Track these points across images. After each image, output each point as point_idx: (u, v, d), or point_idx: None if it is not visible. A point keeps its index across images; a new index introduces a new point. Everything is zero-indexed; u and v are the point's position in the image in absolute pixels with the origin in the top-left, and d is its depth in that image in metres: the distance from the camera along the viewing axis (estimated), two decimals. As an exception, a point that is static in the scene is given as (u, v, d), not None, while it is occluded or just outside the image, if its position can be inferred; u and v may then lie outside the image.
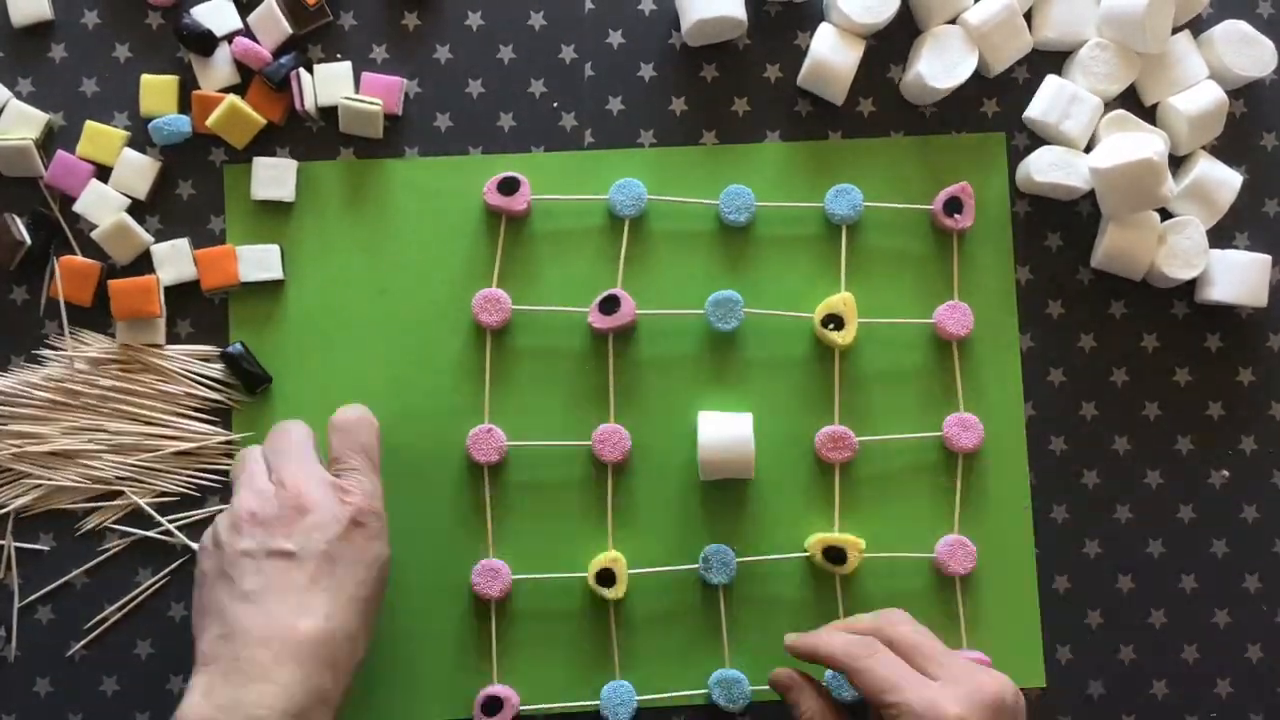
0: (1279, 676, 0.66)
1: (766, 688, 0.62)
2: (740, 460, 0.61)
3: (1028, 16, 0.66)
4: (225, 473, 0.64)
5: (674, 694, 0.63)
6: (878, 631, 0.57)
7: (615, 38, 0.66)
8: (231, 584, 0.53)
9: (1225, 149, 0.67)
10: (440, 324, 0.65)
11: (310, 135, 0.65)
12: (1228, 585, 0.66)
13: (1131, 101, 0.67)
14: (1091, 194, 0.65)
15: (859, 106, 0.67)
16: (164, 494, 0.64)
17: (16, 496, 0.63)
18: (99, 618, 0.63)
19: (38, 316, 0.64)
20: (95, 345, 0.64)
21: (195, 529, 0.63)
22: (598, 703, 0.63)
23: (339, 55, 0.66)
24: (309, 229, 0.65)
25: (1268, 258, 0.65)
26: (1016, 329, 0.66)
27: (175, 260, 0.64)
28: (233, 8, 0.64)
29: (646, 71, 0.66)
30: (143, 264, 0.64)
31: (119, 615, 0.64)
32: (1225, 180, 0.65)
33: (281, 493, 0.55)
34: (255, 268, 0.64)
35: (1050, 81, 0.65)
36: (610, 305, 0.63)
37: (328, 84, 0.64)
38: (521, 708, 0.63)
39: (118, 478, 0.63)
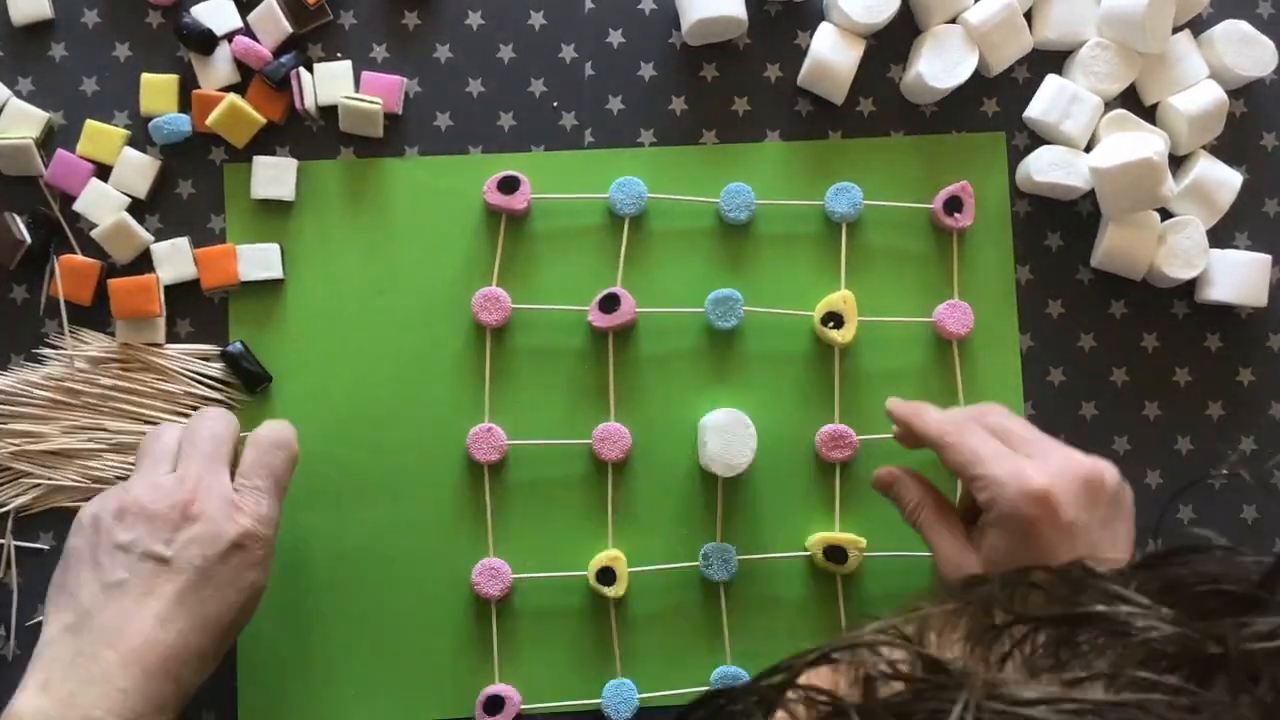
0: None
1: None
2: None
3: (1028, 16, 0.66)
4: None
5: (675, 691, 0.63)
6: (975, 418, 0.55)
7: (615, 37, 0.66)
8: (99, 570, 0.52)
9: (1225, 149, 0.67)
10: (440, 323, 0.65)
11: (310, 134, 0.65)
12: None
13: (1131, 101, 0.67)
14: (1091, 194, 0.65)
15: (859, 106, 0.67)
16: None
17: (16, 495, 0.63)
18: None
19: (38, 315, 0.64)
20: (95, 344, 0.64)
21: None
22: (599, 701, 0.63)
23: (339, 54, 0.65)
24: (309, 228, 0.65)
25: (1268, 258, 0.65)
26: (1016, 329, 0.66)
27: (175, 259, 0.64)
28: (233, 7, 0.64)
29: (647, 71, 0.66)
30: (143, 263, 0.64)
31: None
32: (1225, 180, 0.65)
33: (176, 491, 0.53)
34: (255, 267, 0.64)
35: (1050, 81, 0.65)
36: (610, 304, 0.63)
37: (328, 83, 0.64)
38: (523, 707, 0.63)
39: (117, 477, 0.63)
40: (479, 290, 0.64)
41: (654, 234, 0.65)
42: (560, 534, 0.64)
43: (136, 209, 0.64)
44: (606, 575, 0.62)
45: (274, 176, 0.64)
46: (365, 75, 0.65)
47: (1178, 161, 0.67)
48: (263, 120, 0.64)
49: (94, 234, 0.63)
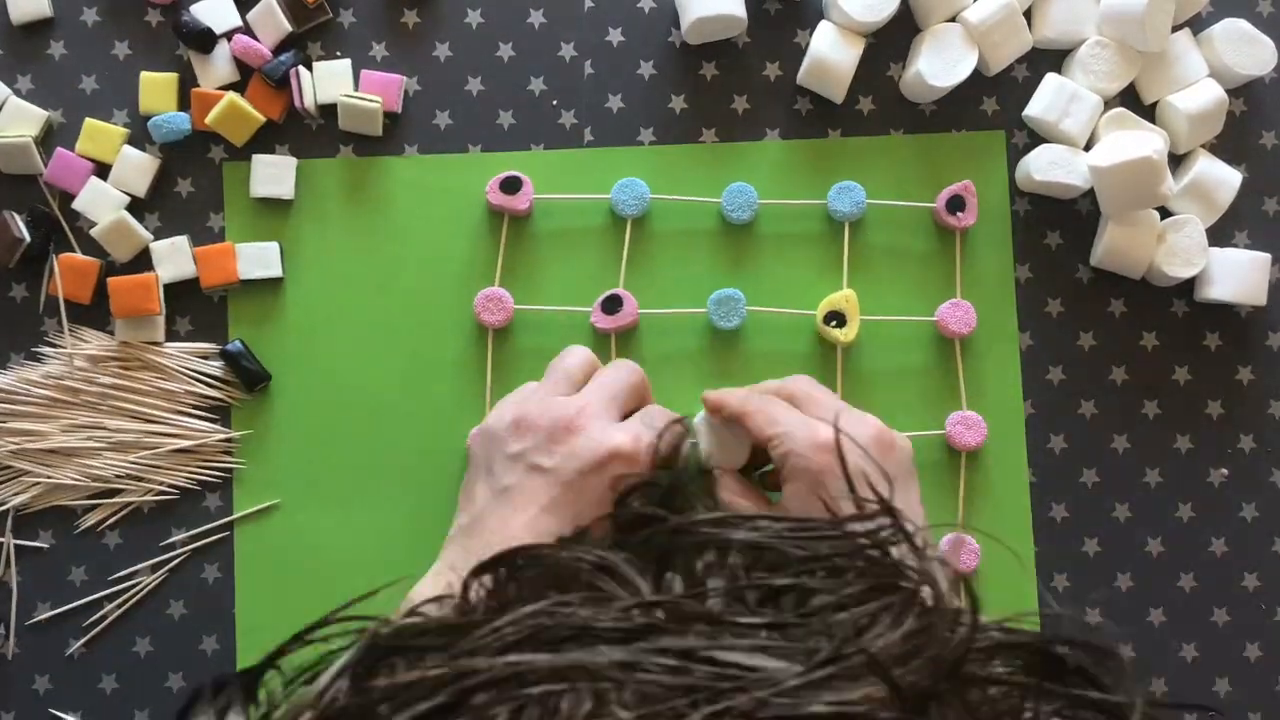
0: (1278, 675, 0.66)
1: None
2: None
3: (1027, 15, 0.66)
4: (225, 470, 0.64)
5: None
6: (780, 388, 0.59)
7: (615, 35, 0.66)
8: (491, 477, 0.56)
9: (1225, 147, 0.67)
10: (441, 322, 0.65)
11: (310, 133, 0.65)
12: (1227, 584, 0.66)
13: (1131, 100, 0.67)
14: (1091, 192, 0.65)
15: (858, 105, 0.66)
16: (164, 492, 0.64)
17: (16, 494, 0.63)
18: (98, 615, 0.63)
19: (37, 314, 0.64)
20: (94, 343, 0.64)
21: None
22: None
23: (338, 53, 0.65)
24: (309, 226, 0.65)
25: (1267, 256, 0.65)
26: (1016, 327, 0.66)
27: (174, 258, 0.64)
28: (232, 5, 0.64)
29: (646, 70, 0.66)
30: (142, 262, 0.64)
31: (118, 613, 0.64)
32: (1225, 179, 0.65)
33: (566, 408, 0.56)
34: (254, 265, 0.64)
35: (1050, 80, 0.65)
36: (612, 305, 0.63)
37: (327, 82, 0.64)
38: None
39: (117, 476, 0.63)
40: (481, 291, 0.64)
41: (656, 234, 0.65)
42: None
43: (136, 207, 0.64)
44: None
45: (273, 175, 0.64)
46: (364, 74, 0.65)
47: (1177, 160, 0.67)
48: (262, 119, 0.64)
49: (93, 232, 0.63)
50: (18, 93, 0.65)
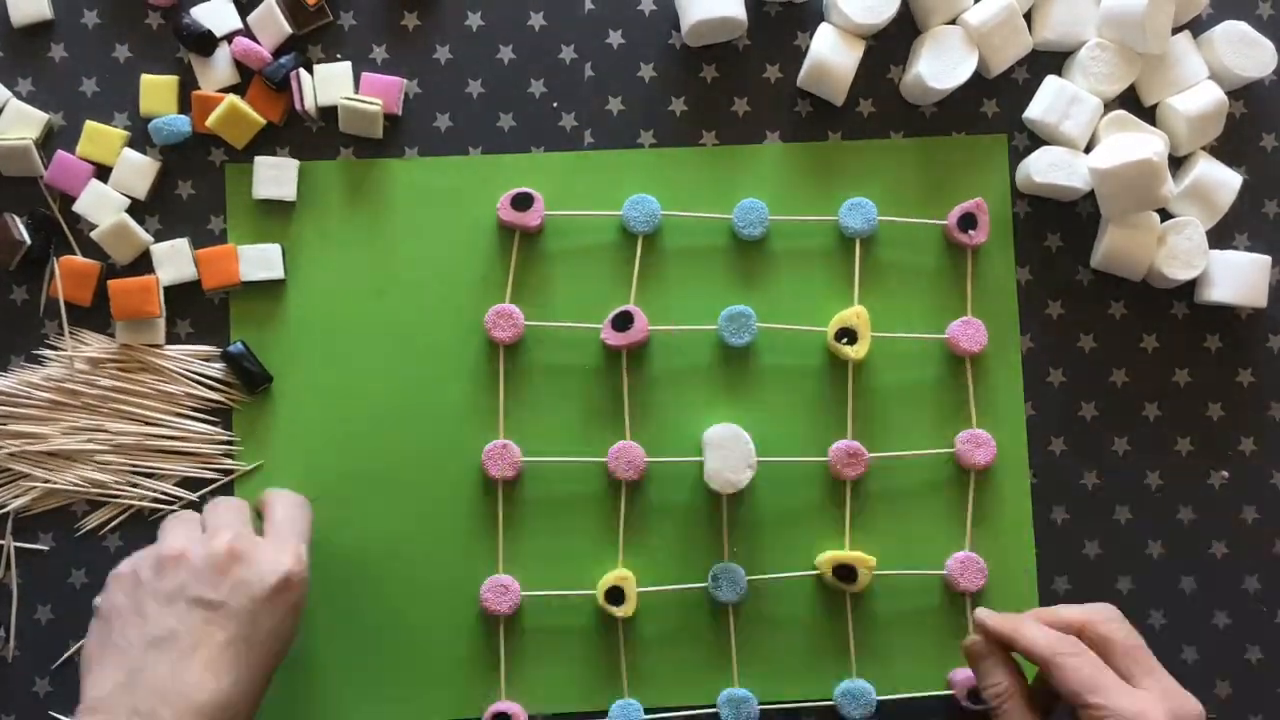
0: (1279, 677, 0.66)
1: (775, 706, 0.63)
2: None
3: (1028, 17, 0.66)
4: (227, 471, 0.64)
5: (683, 713, 0.63)
6: (1087, 625, 0.55)
7: (615, 38, 0.66)
8: (143, 624, 0.51)
9: (1225, 150, 0.67)
10: (442, 324, 0.65)
11: (310, 135, 0.65)
12: (1227, 586, 0.66)
13: (1131, 102, 0.67)
14: (1091, 194, 0.65)
15: (859, 107, 0.66)
16: (164, 494, 0.64)
17: (16, 497, 0.63)
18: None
19: (37, 316, 0.64)
20: (95, 345, 0.64)
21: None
22: None
23: (339, 55, 0.66)
24: (310, 228, 0.65)
25: (1267, 258, 0.65)
26: (1017, 330, 0.66)
27: (175, 260, 0.64)
28: (232, 8, 0.64)
29: (646, 72, 0.66)
30: (142, 264, 0.64)
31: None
32: (1225, 181, 0.65)
33: (215, 539, 0.53)
34: (256, 267, 0.64)
35: (1050, 82, 0.65)
36: (623, 322, 0.63)
37: (327, 84, 0.64)
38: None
39: (117, 479, 0.63)
40: (492, 307, 0.63)
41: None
42: (570, 551, 0.64)
43: (136, 210, 0.64)
44: (615, 595, 0.62)
45: (275, 176, 0.64)
46: (365, 76, 0.65)
47: (1177, 162, 0.67)
48: (262, 121, 0.64)
49: (94, 235, 0.63)
50: (18, 95, 0.65)
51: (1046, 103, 0.65)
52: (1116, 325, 0.67)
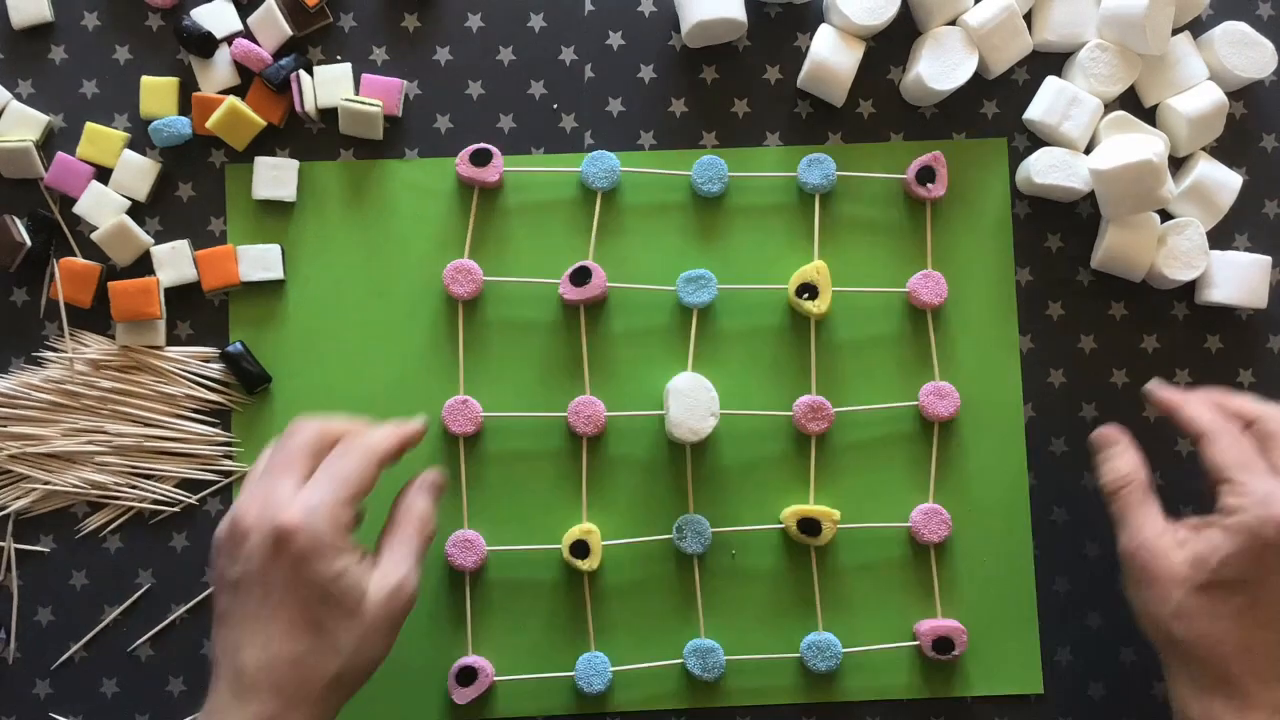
0: (1279, 678, 0.66)
1: (742, 659, 0.63)
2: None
3: (1028, 18, 0.66)
4: (225, 473, 0.64)
5: (650, 664, 0.63)
6: (1259, 419, 0.56)
7: (615, 39, 0.66)
8: (216, 601, 0.53)
9: (1225, 150, 0.67)
10: (441, 324, 0.65)
11: (310, 137, 0.65)
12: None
13: (1131, 103, 0.67)
14: (1091, 195, 0.65)
15: (859, 108, 0.67)
16: (163, 495, 0.64)
17: (16, 498, 0.63)
18: (99, 619, 0.64)
19: (38, 318, 0.64)
20: (95, 346, 0.64)
21: (192, 525, 0.64)
22: (572, 674, 0.63)
23: (339, 57, 0.66)
24: (310, 229, 0.65)
25: (1268, 259, 0.65)
26: (1016, 330, 0.66)
27: (175, 262, 0.64)
28: (233, 9, 0.65)
29: (646, 73, 0.66)
30: (143, 265, 0.64)
31: (117, 614, 0.64)
32: (1225, 182, 0.65)
33: (232, 516, 0.52)
34: (256, 267, 0.64)
35: (1050, 83, 0.65)
36: (581, 277, 0.63)
37: (328, 85, 0.64)
38: (496, 678, 0.63)
39: (115, 483, 0.63)
40: (450, 262, 0.63)
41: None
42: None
43: (136, 211, 0.64)
44: (580, 549, 0.62)
45: (275, 177, 0.64)
46: (365, 78, 0.65)
47: (1178, 163, 0.67)
48: (263, 123, 0.64)
49: (94, 236, 0.63)
50: (19, 97, 0.65)
51: (1046, 103, 0.65)
52: (1116, 325, 0.67)
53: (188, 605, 0.64)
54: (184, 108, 0.65)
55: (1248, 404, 0.57)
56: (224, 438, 0.64)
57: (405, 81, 0.65)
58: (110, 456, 0.63)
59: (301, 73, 0.63)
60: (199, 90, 0.64)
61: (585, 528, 0.63)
